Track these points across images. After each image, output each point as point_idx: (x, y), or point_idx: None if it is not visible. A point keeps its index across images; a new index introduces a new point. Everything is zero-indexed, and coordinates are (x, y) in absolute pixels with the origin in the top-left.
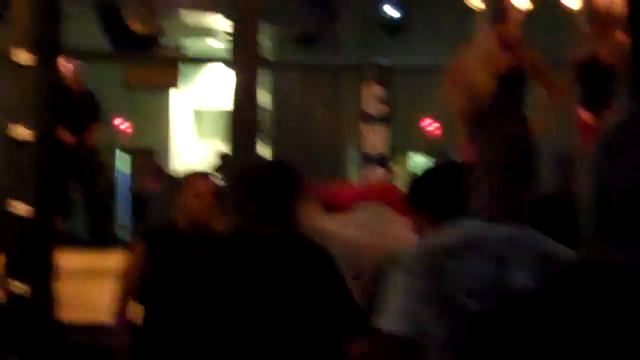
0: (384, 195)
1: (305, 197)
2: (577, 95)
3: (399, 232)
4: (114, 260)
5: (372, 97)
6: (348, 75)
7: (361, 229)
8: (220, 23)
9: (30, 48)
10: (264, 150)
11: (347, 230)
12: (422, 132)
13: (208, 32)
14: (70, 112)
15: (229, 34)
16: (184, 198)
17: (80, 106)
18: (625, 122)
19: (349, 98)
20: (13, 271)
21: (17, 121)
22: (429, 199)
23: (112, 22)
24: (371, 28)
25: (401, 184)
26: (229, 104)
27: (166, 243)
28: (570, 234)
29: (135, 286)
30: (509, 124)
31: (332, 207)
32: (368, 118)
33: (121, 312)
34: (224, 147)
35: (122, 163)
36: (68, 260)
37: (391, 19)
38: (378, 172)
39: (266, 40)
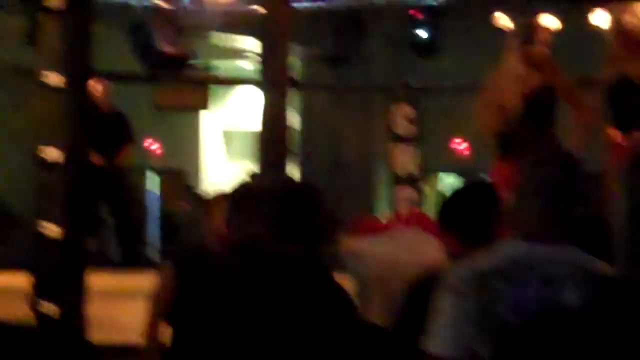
0: (415, 221)
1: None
2: (607, 115)
3: (430, 252)
4: (144, 281)
5: (401, 117)
6: (378, 95)
7: (393, 248)
8: (250, 44)
9: (61, 70)
10: (293, 171)
11: (379, 248)
12: (452, 152)
13: (238, 53)
14: (100, 133)
15: (258, 55)
16: (214, 219)
17: (110, 127)
18: None
19: (378, 118)
20: (43, 292)
21: (47, 143)
22: (456, 219)
23: (143, 44)
24: (401, 48)
25: (431, 204)
26: (258, 125)
27: (196, 264)
28: (603, 252)
29: (166, 308)
30: (550, 145)
31: (367, 232)
32: (398, 138)
33: (151, 333)
34: (253, 168)
35: (153, 184)
36: (98, 281)
37: (421, 39)
38: (408, 193)
39: (295, 61)
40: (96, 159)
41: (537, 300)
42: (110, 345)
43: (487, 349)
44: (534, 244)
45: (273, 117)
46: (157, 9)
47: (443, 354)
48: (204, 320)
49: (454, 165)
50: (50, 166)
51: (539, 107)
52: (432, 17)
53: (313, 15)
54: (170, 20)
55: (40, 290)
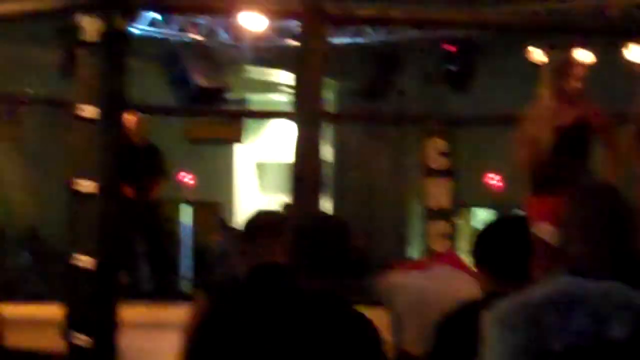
0: (446, 260)
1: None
2: None
3: (462, 285)
4: (176, 313)
5: (435, 151)
6: (411, 129)
7: (426, 281)
8: (285, 78)
9: (96, 103)
10: (326, 204)
11: (413, 282)
12: (485, 186)
13: (272, 87)
14: (134, 165)
15: (292, 88)
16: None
17: (144, 160)
18: None
19: (412, 151)
20: (75, 323)
21: (81, 175)
22: (490, 256)
23: (178, 77)
24: (434, 82)
25: (464, 239)
26: (292, 157)
27: (228, 296)
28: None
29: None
30: (586, 180)
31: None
32: (431, 172)
33: None
34: (286, 200)
35: (186, 216)
36: (131, 312)
37: (454, 73)
38: (441, 227)
39: (329, 94)
40: (129, 191)
41: (586, 334)
42: None
43: None
44: (583, 278)
45: (306, 150)
46: (192, 43)
47: None
48: (237, 350)
49: (488, 199)
50: (84, 197)
51: (573, 142)
52: (466, 51)
53: (347, 49)
54: (205, 53)
55: (73, 322)
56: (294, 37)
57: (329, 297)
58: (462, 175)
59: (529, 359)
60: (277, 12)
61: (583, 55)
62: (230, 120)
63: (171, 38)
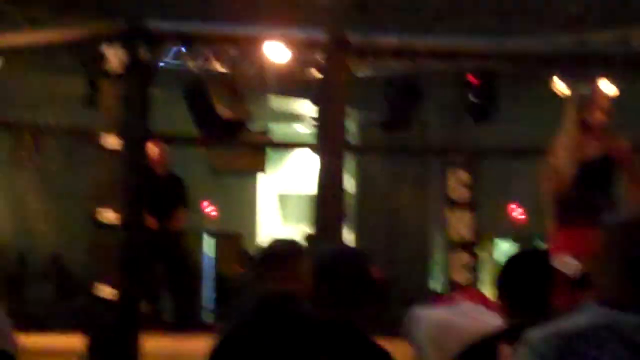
0: (470, 295)
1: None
2: None
3: (485, 320)
4: (198, 344)
5: (457, 182)
6: (433, 160)
7: (449, 313)
8: (307, 108)
9: (119, 133)
10: (348, 235)
11: (435, 314)
12: (508, 217)
13: (295, 117)
14: (156, 196)
15: (315, 118)
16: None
17: (166, 190)
18: None
19: (434, 182)
20: (97, 353)
21: (104, 205)
22: (508, 287)
23: (200, 107)
24: (456, 113)
25: (487, 271)
26: (314, 188)
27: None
28: None
29: None
30: (627, 213)
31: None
32: (453, 203)
33: None
34: (309, 231)
35: (209, 247)
36: (152, 343)
37: (476, 104)
38: (463, 259)
39: (351, 125)
40: (152, 221)
41: None
42: None
43: None
44: (617, 310)
45: (328, 181)
46: (214, 73)
47: None
48: None
49: (510, 231)
50: (106, 228)
51: (596, 174)
52: (489, 82)
53: (369, 80)
54: (228, 83)
55: (95, 352)
56: (318, 68)
57: (344, 327)
58: (485, 207)
59: None
60: (301, 43)
61: (607, 87)
62: (253, 150)
63: (195, 69)
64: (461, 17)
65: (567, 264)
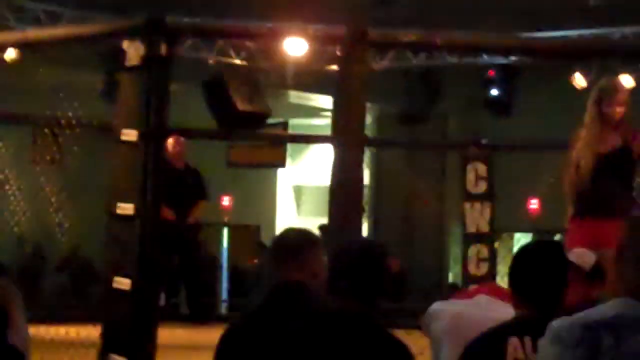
0: (488, 288)
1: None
2: None
3: (500, 312)
4: (214, 335)
5: (475, 175)
6: (451, 153)
7: (465, 307)
8: (326, 102)
9: (137, 126)
10: (364, 227)
11: (452, 308)
12: (525, 211)
13: (313, 111)
14: (174, 189)
15: (333, 112)
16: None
17: (185, 183)
18: None
19: (451, 176)
20: (112, 345)
21: (122, 198)
22: (519, 280)
23: (218, 101)
24: (475, 107)
25: (504, 264)
26: (331, 181)
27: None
28: None
29: None
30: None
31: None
32: (471, 197)
33: None
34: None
35: (225, 239)
36: (168, 334)
37: (495, 97)
38: (480, 252)
39: (369, 119)
40: (170, 214)
41: None
42: None
43: None
44: None
45: (346, 174)
46: (233, 67)
47: None
48: None
49: (528, 224)
50: (124, 220)
51: (615, 167)
52: (506, 76)
53: (387, 74)
54: (246, 77)
55: (111, 343)
56: (336, 62)
57: (360, 319)
58: (503, 201)
59: None
60: (319, 37)
61: (627, 81)
62: (272, 144)
63: (213, 62)
64: (483, 13)
65: (583, 255)
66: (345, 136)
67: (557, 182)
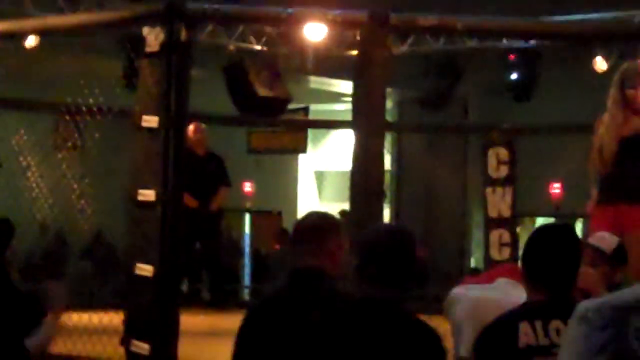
0: (509, 271)
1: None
2: None
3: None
4: (235, 321)
5: (496, 160)
6: (472, 138)
7: (485, 292)
8: (347, 88)
9: (158, 113)
10: (386, 213)
11: (472, 292)
12: (547, 195)
13: (335, 96)
14: (197, 176)
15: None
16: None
17: (207, 170)
18: None
19: (473, 161)
20: (135, 330)
21: (143, 184)
22: (529, 264)
23: (239, 87)
24: (496, 91)
25: None
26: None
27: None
28: None
29: None
30: None
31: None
32: (492, 181)
33: None
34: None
35: (247, 225)
36: (190, 320)
37: (516, 82)
38: (501, 236)
39: (390, 103)
40: (191, 201)
41: None
42: None
43: None
44: None
45: (367, 159)
46: (253, 53)
47: None
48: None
49: (549, 208)
50: (145, 206)
51: (637, 151)
52: (527, 59)
53: (408, 59)
54: (267, 63)
55: (133, 329)
56: (357, 47)
57: (390, 305)
58: (525, 185)
59: (611, 357)
60: (340, 22)
61: None
62: (293, 130)
63: (233, 48)
64: None
65: (604, 239)
66: (366, 121)
67: (579, 166)
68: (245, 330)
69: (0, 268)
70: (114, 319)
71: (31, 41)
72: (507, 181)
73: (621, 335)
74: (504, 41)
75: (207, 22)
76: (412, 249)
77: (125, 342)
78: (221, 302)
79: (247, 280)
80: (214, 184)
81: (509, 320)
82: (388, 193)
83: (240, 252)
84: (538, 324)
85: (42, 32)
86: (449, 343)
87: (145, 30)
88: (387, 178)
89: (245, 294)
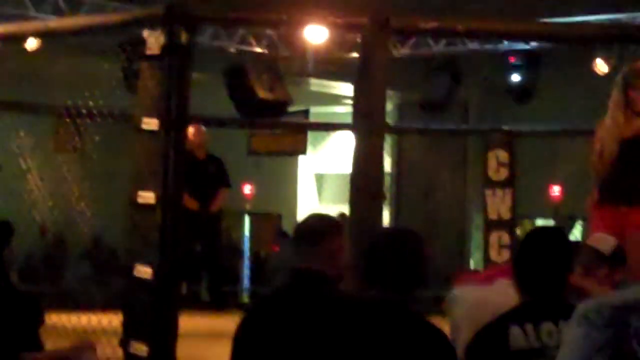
0: (508, 272)
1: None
2: None
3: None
4: (234, 323)
5: (496, 162)
6: (472, 140)
7: (484, 292)
8: (347, 90)
9: (158, 115)
10: (386, 215)
11: (472, 292)
12: (546, 197)
13: (335, 99)
14: (195, 177)
15: (354, 99)
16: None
17: (206, 172)
18: None
19: (474, 163)
20: (134, 332)
21: (143, 186)
22: (518, 267)
23: (239, 89)
24: (496, 93)
25: None
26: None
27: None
28: None
29: None
30: None
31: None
32: (492, 183)
33: None
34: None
35: (246, 227)
36: (189, 322)
37: (516, 84)
38: (501, 238)
39: (390, 106)
40: (191, 203)
41: None
42: None
43: None
44: None
45: (367, 161)
46: (254, 55)
47: None
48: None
49: (549, 210)
50: (145, 208)
51: (637, 153)
52: (528, 62)
53: (408, 61)
54: (268, 66)
55: (132, 331)
56: (357, 49)
57: (397, 307)
58: (524, 187)
59: (611, 356)
60: (340, 25)
61: None
62: (293, 132)
63: (233, 50)
64: None
65: (602, 240)
66: (366, 123)
67: (579, 169)
68: (244, 331)
69: None
70: (112, 320)
71: (32, 44)
72: (507, 183)
73: (621, 335)
74: (505, 43)
75: (208, 25)
76: (421, 251)
77: (124, 343)
78: (220, 303)
79: (246, 282)
80: (214, 185)
81: (499, 324)
82: (388, 195)
83: (239, 253)
84: (529, 327)
85: (43, 35)
86: None
87: (146, 33)
88: (387, 180)
89: (245, 296)
